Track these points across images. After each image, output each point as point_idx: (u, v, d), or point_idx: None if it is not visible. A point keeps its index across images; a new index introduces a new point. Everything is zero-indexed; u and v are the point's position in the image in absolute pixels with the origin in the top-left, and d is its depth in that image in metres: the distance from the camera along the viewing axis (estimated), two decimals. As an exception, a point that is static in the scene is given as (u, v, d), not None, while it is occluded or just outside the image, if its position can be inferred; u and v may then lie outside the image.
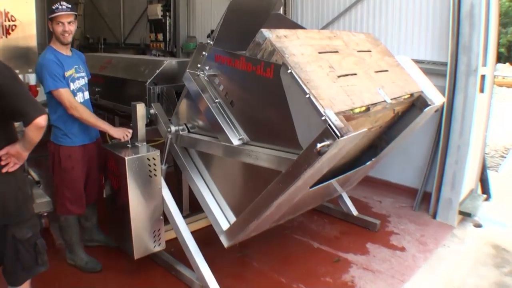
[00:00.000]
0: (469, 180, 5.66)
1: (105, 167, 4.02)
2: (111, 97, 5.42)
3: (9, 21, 5.81)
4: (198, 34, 9.62)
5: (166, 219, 3.97)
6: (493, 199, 6.17)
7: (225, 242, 3.67)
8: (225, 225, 3.64)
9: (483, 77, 5.22)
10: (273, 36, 3.18)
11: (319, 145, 2.62)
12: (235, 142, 3.33)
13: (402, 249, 4.74)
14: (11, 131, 2.75)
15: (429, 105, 3.92)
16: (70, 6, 3.81)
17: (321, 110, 2.72)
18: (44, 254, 2.88)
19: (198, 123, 3.85)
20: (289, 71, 2.89)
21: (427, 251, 4.72)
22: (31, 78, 5.58)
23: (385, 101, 3.39)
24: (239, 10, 3.63)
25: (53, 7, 3.73)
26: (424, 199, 5.83)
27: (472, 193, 5.89)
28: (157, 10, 9.95)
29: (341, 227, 5.20)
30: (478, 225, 5.42)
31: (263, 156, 3.16)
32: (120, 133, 3.92)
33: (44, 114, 2.57)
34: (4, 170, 2.64)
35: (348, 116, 2.93)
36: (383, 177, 6.42)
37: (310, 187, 3.41)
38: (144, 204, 3.79)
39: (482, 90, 5.25)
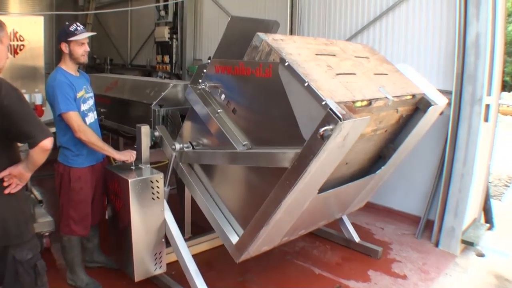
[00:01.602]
0: (472, 209, 5.62)
1: (108, 188, 4.02)
2: (116, 118, 5.43)
3: (17, 40, 5.89)
4: (204, 57, 9.64)
5: (167, 241, 3.96)
6: (496, 228, 6.11)
7: (235, 256, 3.56)
8: (234, 238, 3.56)
9: (487, 106, 5.22)
10: (269, 38, 3.27)
11: (321, 129, 2.62)
12: (240, 148, 3.36)
13: (404, 277, 4.69)
14: (14, 152, 2.76)
15: (432, 105, 3.89)
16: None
17: (321, 96, 2.73)
18: (44, 275, 2.86)
19: (203, 139, 3.86)
20: (286, 63, 2.93)
21: (429, 280, 4.66)
22: (38, 98, 5.64)
23: (386, 97, 3.38)
24: (237, 28, 3.65)
25: (71, 29, 3.76)
26: (426, 227, 5.78)
27: (475, 222, 5.83)
28: (164, 33, 9.99)
29: (343, 254, 5.15)
30: (480, 255, 5.35)
31: (267, 156, 3.15)
32: (124, 156, 3.94)
33: (50, 137, 2.58)
34: (6, 191, 2.63)
35: (349, 107, 2.91)
36: (386, 204, 6.39)
37: (319, 192, 3.38)
38: (146, 227, 3.77)
39: (486, 119, 5.24)
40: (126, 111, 5.33)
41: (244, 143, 3.37)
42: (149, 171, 3.90)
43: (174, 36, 10.04)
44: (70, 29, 3.77)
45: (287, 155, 2.94)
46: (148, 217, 3.76)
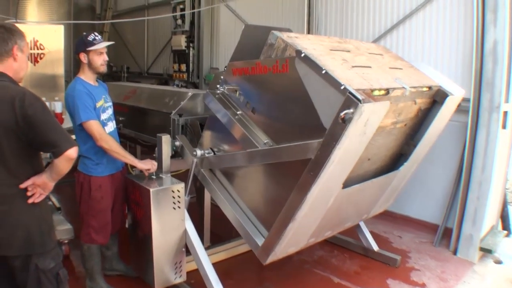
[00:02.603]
0: (490, 216, 5.53)
1: (129, 197, 4.01)
2: (134, 126, 5.41)
3: (37, 49, 5.93)
4: (221, 65, 9.61)
5: (187, 250, 3.93)
6: (513, 235, 6.00)
7: (262, 258, 3.50)
8: (260, 240, 3.51)
9: (505, 113, 5.15)
10: (284, 35, 3.34)
11: (342, 113, 2.62)
12: (261, 147, 3.36)
13: (423, 285, 4.62)
14: (38, 161, 2.75)
15: (449, 95, 3.86)
16: None
17: (340, 81, 2.74)
18: (66, 284, 2.85)
19: (223, 144, 3.87)
20: (303, 54, 2.96)
21: (448, 288, 4.58)
22: (57, 106, 5.66)
23: (403, 87, 3.36)
24: (251, 36, 3.71)
25: (89, 39, 3.77)
26: (444, 234, 5.70)
27: (492, 229, 5.74)
28: (181, 41, 9.98)
29: (361, 262, 5.08)
30: (498, 262, 5.28)
31: (290, 149, 3.12)
32: (146, 165, 3.91)
33: (75, 146, 2.57)
34: (30, 201, 2.63)
35: (367, 94, 2.90)
36: (403, 212, 6.30)
37: (344, 187, 3.35)
38: (166, 236, 3.75)
39: (504, 126, 5.16)
40: (144, 119, 5.32)
41: (265, 141, 3.37)
42: (170, 181, 3.87)
43: (191, 44, 10.02)
44: (89, 39, 3.78)
45: (310, 146, 2.93)
46: (168, 226, 3.73)
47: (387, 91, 3.20)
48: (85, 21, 9.84)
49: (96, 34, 3.86)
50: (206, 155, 3.93)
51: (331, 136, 2.75)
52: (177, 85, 10.18)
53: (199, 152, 3.94)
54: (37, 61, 6.00)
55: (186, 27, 10.01)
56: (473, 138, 5.27)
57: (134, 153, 4.73)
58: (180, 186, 3.76)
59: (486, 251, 5.30)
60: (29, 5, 9.33)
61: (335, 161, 2.82)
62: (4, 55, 2.63)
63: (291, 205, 3.13)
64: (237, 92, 3.62)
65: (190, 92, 5.02)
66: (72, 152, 2.55)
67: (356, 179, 3.63)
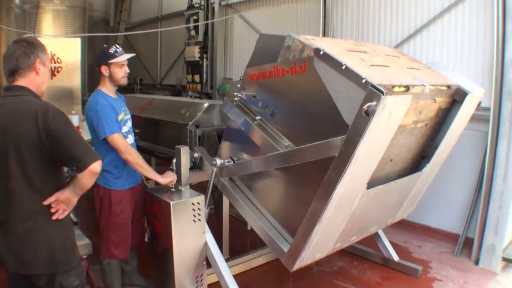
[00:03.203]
0: (512, 225, 5.43)
1: (148, 210, 3.95)
2: (150, 138, 5.39)
3: (55, 63, 5.93)
4: (235, 76, 9.60)
5: (207, 262, 3.87)
6: (536, 245, 5.87)
7: (289, 264, 3.39)
8: (286, 247, 3.42)
9: (526, 123, 5.06)
10: (301, 37, 3.31)
11: (365, 106, 2.59)
12: (283, 150, 3.31)
13: (446, 296, 4.51)
14: (61, 176, 2.71)
15: (468, 94, 3.80)
16: None
17: (361, 75, 2.71)
18: None
19: (243, 152, 3.82)
20: (321, 52, 2.93)
21: (472, 299, 4.49)
22: (75, 120, 5.62)
23: (423, 84, 3.31)
24: (266, 45, 3.68)
25: (111, 51, 3.73)
26: (465, 244, 5.61)
27: (515, 239, 5.62)
28: (195, 52, 9.95)
29: (382, 273, 4.99)
30: (522, 272, 5.16)
31: (313, 149, 3.05)
32: (169, 179, 3.85)
33: (99, 160, 2.53)
34: (54, 218, 2.58)
35: (388, 89, 2.86)
36: (423, 222, 6.21)
37: (369, 187, 3.29)
38: (187, 249, 3.69)
39: (525, 136, 5.07)
40: (160, 131, 5.30)
41: (286, 144, 3.33)
42: (190, 193, 3.82)
43: (205, 55, 9.99)
44: (110, 51, 3.73)
45: (333, 143, 2.87)
46: (189, 239, 3.68)
47: (407, 87, 3.16)
48: (99, 34, 9.83)
49: (117, 46, 3.82)
50: (226, 164, 3.87)
51: (355, 131, 2.71)
52: (191, 96, 10.09)
53: (218, 162, 3.89)
54: (54, 75, 5.99)
55: (200, 38, 9.98)
56: (494, 147, 5.18)
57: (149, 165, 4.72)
58: (200, 199, 3.71)
59: (509, 261, 5.21)
60: (45, 19, 9.35)
61: (359, 158, 2.78)
62: (27, 69, 2.60)
63: (316, 206, 3.06)
64: (255, 98, 3.60)
65: (207, 103, 4.99)
66: (97, 166, 2.50)
67: (380, 181, 3.58)
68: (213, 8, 9.79)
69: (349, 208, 3.33)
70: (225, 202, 4.66)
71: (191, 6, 10.11)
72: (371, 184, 3.32)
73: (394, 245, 5.37)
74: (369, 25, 6.95)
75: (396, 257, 5.07)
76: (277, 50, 3.49)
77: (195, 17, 9.99)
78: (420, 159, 4.18)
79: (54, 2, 9.41)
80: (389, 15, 6.66)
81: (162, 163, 6.03)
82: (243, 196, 3.84)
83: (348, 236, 3.80)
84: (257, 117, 3.57)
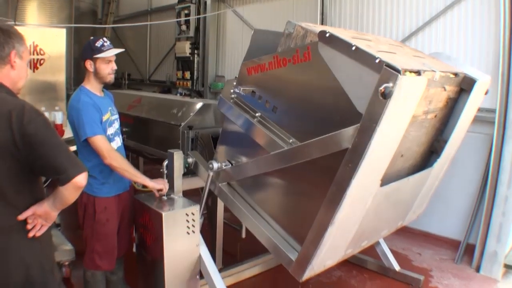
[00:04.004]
0: (515, 232, 5.28)
1: (137, 220, 3.64)
2: (139, 138, 5.12)
3: (37, 54, 5.56)
4: (227, 73, 9.31)
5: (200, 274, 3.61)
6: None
7: (298, 274, 3.09)
8: (293, 255, 3.11)
9: (532, 126, 4.89)
10: (302, 24, 3.12)
11: (381, 87, 2.38)
12: (288, 147, 3.05)
13: (449, 307, 4.32)
14: (38, 187, 2.34)
15: (475, 81, 3.59)
16: None
17: (374, 54, 2.50)
18: None
19: (241, 154, 3.56)
20: (327, 34, 2.72)
21: (473, 307, 4.31)
22: (58, 116, 5.29)
23: (433, 70, 3.09)
24: (261, 41, 3.49)
25: (97, 45, 3.37)
26: (466, 251, 5.45)
27: (517, 245, 5.48)
28: (186, 48, 9.63)
29: (383, 283, 4.77)
30: (523, 278, 5.04)
31: (323, 142, 2.78)
32: (158, 185, 3.54)
33: (85, 171, 2.17)
34: (30, 235, 2.23)
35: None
36: (422, 228, 6.02)
37: (382, 185, 3.03)
38: (179, 263, 3.40)
39: (533, 139, 4.90)
40: (150, 131, 5.03)
41: (291, 140, 3.06)
42: (183, 202, 3.52)
43: (196, 51, 9.67)
44: (96, 45, 3.37)
45: (345, 134, 2.63)
46: (182, 253, 3.39)
47: (418, 72, 2.92)
48: (86, 25, 9.50)
49: (105, 39, 3.46)
50: (224, 167, 3.59)
51: (370, 118, 2.49)
52: (181, 94, 9.86)
53: (215, 165, 3.59)
54: (37, 67, 5.62)
55: (191, 33, 9.67)
56: (498, 151, 5.01)
57: (136, 165, 4.45)
58: (195, 209, 3.41)
59: (510, 268, 5.09)
60: (29, 7, 8.99)
61: (375, 148, 2.55)
62: (0, 62, 2.23)
63: (328, 206, 2.80)
64: (254, 93, 3.34)
65: (200, 102, 4.71)
66: (82, 179, 2.15)
67: (391, 179, 3.33)
68: (205, 2, 9.48)
69: (362, 208, 3.06)
70: (219, 208, 4.36)
71: (182, 0, 9.79)
72: (383, 182, 3.08)
73: (394, 253, 5.16)
74: (368, 21, 6.71)
75: (397, 267, 4.83)
76: (274, 45, 3.28)
77: (186, 11, 9.67)
78: (429, 155, 3.97)
79: (39, -10, 9.06)
80: (390, 12, 6.43)
81: (151, 163, 5.75)
82: (243, 201, 3.56)
83: (359, 240, 3.54)
84: (257, 114, 3.31)
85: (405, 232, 5.65)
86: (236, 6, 9.11)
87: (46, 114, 5.18)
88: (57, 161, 2.13)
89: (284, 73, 3.06)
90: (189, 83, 9.84)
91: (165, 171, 3.73)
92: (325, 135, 2.75)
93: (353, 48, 2.59)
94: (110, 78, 3.48)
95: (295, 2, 7.91)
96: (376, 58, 2.47)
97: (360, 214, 3.10)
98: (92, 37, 3.49)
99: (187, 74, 9.86)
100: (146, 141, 5.04)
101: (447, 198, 5.67)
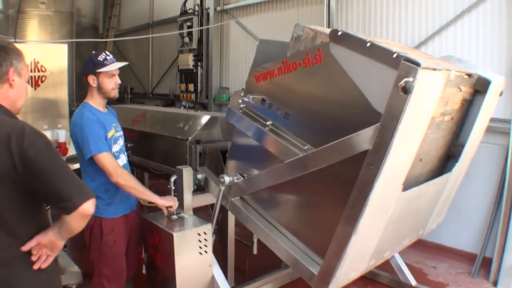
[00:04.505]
0: (534, 245, 5.13)
1: (146, 240, 3.48)
2: (144, 153, 4.96)
3: (38, 71, 5.42)
4: (231, 85, 9.18)
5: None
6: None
7: None
8: (315, 268, 2.94)
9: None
10: (310, 26, 3.02)
11: (401, 82, 2.29)
12: (303, 154, 2.92)
13: (470, 323, 4.16)
14: (42, 214, 2.17)
15: (490, 81, 3.47)
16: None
17: (390, 49, 2.42)
18: None
19: (253, 167, 3.41)
20: (340, 33, 2.64)
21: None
22: (61, 135, 5.15)
23: (449, 69, 2.97)
24: (267, 52, 3.36)
25: (99, 59, 3.23)
26: (482, 264, 5.29)
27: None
28: (189, 60, 9.49)
29: (400, 299, 4.60)
30: (542, 293, 4.86)
31: (340, 146, 2.65)
32: (168, 203, 3.39)
33: (92, 198, 2.00)
34: (35, 267, 2.05)
35: None
36: (436, 241, 5.85)
37: (403, 190, 2.91)
38: (192, 285, 3.26)
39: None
40: (156, 146, 4.89)
41: (305, 147, 2.93)
42: (194, 221, 3.37)
43: (199, 63, 9.52)
44: (99, 59, 3.23)
45: (365, 134, 2.51)
46: (194, 274, 3.23)
47: (434, 70, 2.80)
48: (86, 39, 9.35)
49: (108, 53, 3.31)
50: (236, 180, 3.44)
51: (390, 115, 2.39)
52: (185, 106, 9.70)
53: (227, 179, 3.43)
54: (38, 85, 5.45)
55: (194, 45, 9.53)
56: None
57: (141, 181, 4.32)
58: (207, 228, 3.27)
59: None
60: (30, 25, 8.85)
61: (396, 148, 2.45)
62: None
63: (350, 213, 2.66)
64: (264, 101, 3.22)
65: (207, 115, 4.57)
66: (89, 207, 1.97)
67: (410, 184, 3.19)
68: (208, 14, 9.36)
69: (385, 215, 2.92)
70: (230, 224, 4.20)
71: (184, 12, 9.66)
72: (404, 187, 2.96)
73: (408, 266, 4.99)
74: (376, 31, 6.58)
75: (413, 282, 4.66)
76: (279, 55, 3.16)
77: (188, 23, 9.55)
78: (446, 160, 3.84)
79: (39, 7, 8.91)
80: (398, 21, 6.31)
81: (155, 178, 5.60)
82: (257, 215, 3.40)
83: (382, 251, 3.38)
84: (268, 122, 3.18)
85: (418, 245, 5.46)
86: (239, 17, 8.99)
87: (49, 132, 5.05)
88: (61, 188, 1.96)
89: (295, 78, 2.97)
90: (193, 96, 9.69)
91: (173, 187, 3.59)
92: (343, 138, 2.64)
93: (368, 44, 2.50)
94: (114, 93, 3.34)
95: (300, 12, 7.79)
96: (394, 53, 2.39)
97: (382, 222, 2.96)
98: (93, 51, 3.36)
99: (191, 87, 9.70)
100: (152, 156, 4.89)
101: (461, 210, 5.49)
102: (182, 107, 9.65)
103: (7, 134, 1.91)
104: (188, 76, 9.86)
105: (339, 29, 2.66)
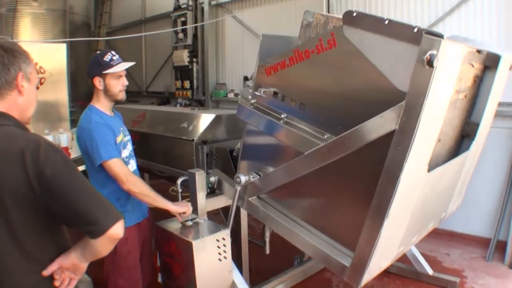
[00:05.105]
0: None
1: (161, 249, 3.35)
2: (147, 156, 4.82)
3: (38, 73, 5.24)
4: (229, 81, 9.01)
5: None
6: None
7: (355, 280, 2.80)
8: (346, 260, 2.83)
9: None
10: (320, 12, 2.98)
11: (426, 55, 2.22)
12: (323, 143, 2.82)
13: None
14: (62, 235, 1.97)
15: (500, 56, 3.39)
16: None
17: (410, 24, 2.36)
18: None
19: (269, 164, 3.31)
20: (354, 14, 2.56)
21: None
22: (63, 139, 4.98)
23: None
24: (270, 47, 3.26)
25: (106, 59, 3.06)
26: (496, 248, 5.26)
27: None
28: (184, 56, 9.30)
29: (417, 289, 4.54)
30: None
31: (363, 130, 2.56)
32: (182, 209, 3.25)
33: (121, 220, 1.80)
34: None
35: None
36: (447, 227, 5.78)
37: (429, 170, 2.82)
38: (212, 291, 3.13)
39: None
40: (159, 148, 4.77)
41: (325, 136, 2.84)
42: (211, 227, 3.24)
43: (195, 59, 9.34)
44: (105, 59, 3.06)
45: (390, 115, 2.44)
46: (214, 281, 3.11)
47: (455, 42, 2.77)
48: (80, 39, 9.19)
49: (113, 53, 3.14)
50: (252, 179, 3.32)
51: (416, 91, 2.32)
52: (181, 104, 9.56)
53: (243, 178, 3.30)
54: (37, 88, 5.28)
55: (189, 41, 9.35)
56: None
57: None
58: (225, 233, 3.14)
59: None
60: (23, 23, 8.66)
61: (424, 126, 2.38)
62: (6, 87, 1.84)
63: (380, 198, 2.56)
64: (277, 94, 3.14)
65: (212, 114, 4.45)
66: (118, 230, 1.78)
67: (432, 166, 3.07)
68: (202, 9, 9.16)
69: (412, 197, 2.82)
70: (243, 226, 4.07)
71: (178, 7, 9.48)
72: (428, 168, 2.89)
73: (422, 255, 4.92)
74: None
75: (430, 271, 4.60)
76: (283, 50, 3.08)
77: (182, 19, 9.37)
78: (461, 140, 3.77)
79: (32, 5, 8.71)
80: (400, 12, 6.21)
81: (156, 178, 5.47)
82: (277, 212, 3.28)
83: (410, 236, 3.29)
84: (282, 115, 3.09)
85: (430, 233, 5.24)
86: (235, 11, 8.80)
87: (51, 137, 4.87)
88: (86, 210, 1.75)
89: (309, 66, 2.87)
90: (189, 93, 9.52)
91: (180, 190, 3.47)
92: (367, 121, 2.56)
93: (386, 22, 2.43)
94: (122, 95, 3.19)
95: (297, 4, 7.61)
96: (414, 28, 2.31)
97: (410, 205, 2.87)
98: (98, 51, 3.22)
99: (187, 84, 9.52)
100: (155, 158, 4.79)
101: (472, 195, 5.35)
102: (178, 105, 9.52)
103: (21, 151, 1.70)
104: (183, 72, 9.68)
105: (354, 10, 2.58)
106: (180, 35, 9.48)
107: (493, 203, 5.42)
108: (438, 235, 5.67)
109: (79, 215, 1.74)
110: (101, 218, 1.74)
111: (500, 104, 4.33)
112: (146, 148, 4.82)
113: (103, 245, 1.82)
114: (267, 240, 4.25)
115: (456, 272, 4.87)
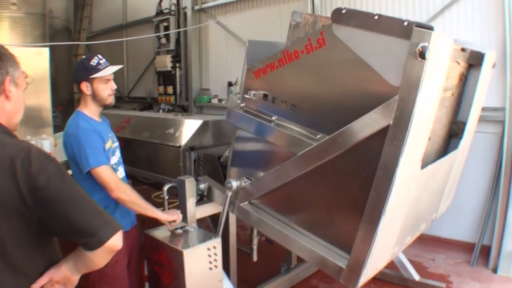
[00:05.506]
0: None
1: (150, 258, 3.27)
2: (132, 163, 4.71)
3: (25, 77, 5.13)
4: (213, 86, 8.95)
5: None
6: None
7: (352, 281, 2.76)
8: (342, 262, 2.81)
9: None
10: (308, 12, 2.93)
11: (418, 47, 2.24)
12: (316, 143, 2.81)
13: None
14: (52, 247, 1.87)
15: (484, 54, 3.43)
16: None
17: (400, 18, 2.37)
18: None
19: (260, 168, 3.29)
20: (344, 11, 2.57)
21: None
22: (46, 145, 4.85)
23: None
24: (257, 53, 3.26)
25: (92, 63, 2.96)
26: (480, 253, 5.29)
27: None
28: (166, 62, 9.20)
29: (404, 296, 4.52)
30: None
31: (357, 127, 2.56)
32: (172, 217, 3.16)
33: (120, 230, 1.71)
34: None
35: None
36: (432, 233, 5.79)
37: (422, 167, 2.83)
38: (202, 303, 3.06)
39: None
40: (145, 154, 4.68)
41: (318, 136, 2.82)
42: (201, 235, 3.18)
43: (178, 65, 9.25)
44: (91, 63, 2.96)
45: (383, 110, 2.44)
46: (204, 290, 3.05)
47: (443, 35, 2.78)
48: (61, 43, 8.98)
49: (100, 57, 3.04)
50: (243, 184, 3.28)
51: (409, 84, 2.34)
52: (164, 110, 9.48)
53: (234, 184, 3.26)
54: (21, 92, 5.16)
55: (172, 46, 9.27)
56: (510, 149, 4.89)
57: None
58: (217, 241, 3.08)
59: None
60: (1, 27, 8.47)
61: (418, 119, 2.38)
62: None
63: (376, 195, 2.55)
64: (266, 96, 3.12)
65: (199, 120, 4.40)
66: (117, 242, 1.69)
67: (423, 165, 3.11)
68: (185, 14, 9.10)
69: (407, 194, 2.82)
70: (232, 233, 4.02)
71: (160, 12, 9.41)
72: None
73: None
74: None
75: (416, 276, 4.62)
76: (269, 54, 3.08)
77: (165, 24, 9.30)
78: (448, 140, 3.80)
79: (10, 8, 8.51)
80: (385, 12, 6.16)
81: (139, 184, 5.39)
82: (270, 217, 3.25)
83: (404, 235, 3.27)
84: (273, 118, 3.08)
85: (415, 239, 5.43)
86: (218, 16, 8.77)
87: (33, 143, 4.76)
88: (83, 221, 1.66)
89: (299, 66, 2.86)
90: (172, 98, 9.43)
91: (166, 197, 3.41)
92: (360, 118, 2.55)
93: (376, 17, 2.43)
94: (111, 99, 3.09)
95: (281, 9, 7.60)
96: (404, 21, 2.33)
97: (404, 203, 2.87)
98: (84, 56, 3.14)
99: (170, 89, 9.44)
100: (140, 164, 4.71)
101: (456, 200, 5.34)
102: (161, 111, 9.44)
103: (11, 160, 1.60)
104: (166, 78, 9.61)
105: (342, 7, 2.59)
106: (163, 40, 9.40)
107: (477, 208, 5.44)
108: (422, 240, 5.69)
109: (75, 227, 1.65)
110: (99, 229, 1.65)
111: (484, 109, 4.36)
112: (130, 154, 4.73)
113: (100, 257, 1.75)
114: (255, 247, 4.22)
115: (442, 277, 4.89)
